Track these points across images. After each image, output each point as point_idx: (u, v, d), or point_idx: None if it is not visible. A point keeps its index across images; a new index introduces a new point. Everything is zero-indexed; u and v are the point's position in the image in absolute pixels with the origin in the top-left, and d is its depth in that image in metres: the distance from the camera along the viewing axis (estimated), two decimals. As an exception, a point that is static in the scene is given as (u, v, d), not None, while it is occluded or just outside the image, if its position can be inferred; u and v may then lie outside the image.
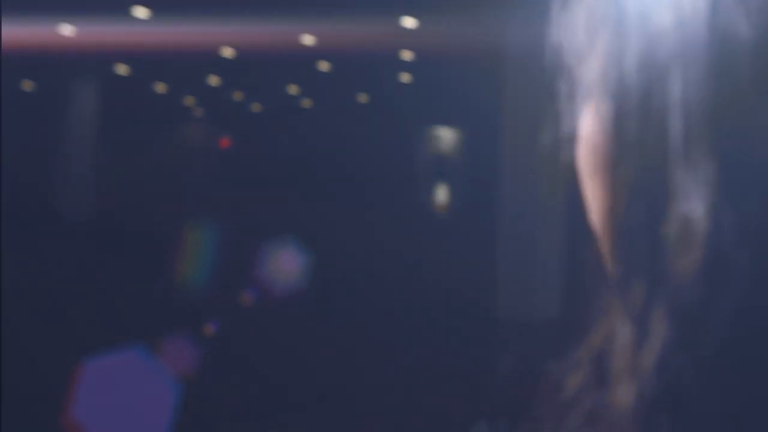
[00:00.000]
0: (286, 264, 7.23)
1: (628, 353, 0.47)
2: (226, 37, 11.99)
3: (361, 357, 6.50)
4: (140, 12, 10.15)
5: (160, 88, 23.37)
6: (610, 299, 0.50)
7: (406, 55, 14.26)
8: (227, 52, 14.16)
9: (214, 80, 21.26)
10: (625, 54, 0.50)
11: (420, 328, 7.51)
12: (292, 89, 24.27)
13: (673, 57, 0.48)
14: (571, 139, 0.55)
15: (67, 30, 11.66)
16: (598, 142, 0.52)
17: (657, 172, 0.47)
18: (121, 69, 17.91)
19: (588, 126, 0.54)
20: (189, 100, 28.50)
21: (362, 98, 25.45)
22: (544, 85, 6.57)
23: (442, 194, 24.41)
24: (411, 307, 8.38)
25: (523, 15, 8.05)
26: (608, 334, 0.50)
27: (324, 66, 16.91)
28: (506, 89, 8.37)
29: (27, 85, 21.70)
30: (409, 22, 10.42)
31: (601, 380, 0.50)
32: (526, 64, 8.10)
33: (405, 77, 18.86)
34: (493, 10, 8.29)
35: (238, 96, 26.68)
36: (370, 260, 11.50)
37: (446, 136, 26.47)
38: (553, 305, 7.85)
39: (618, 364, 0.48)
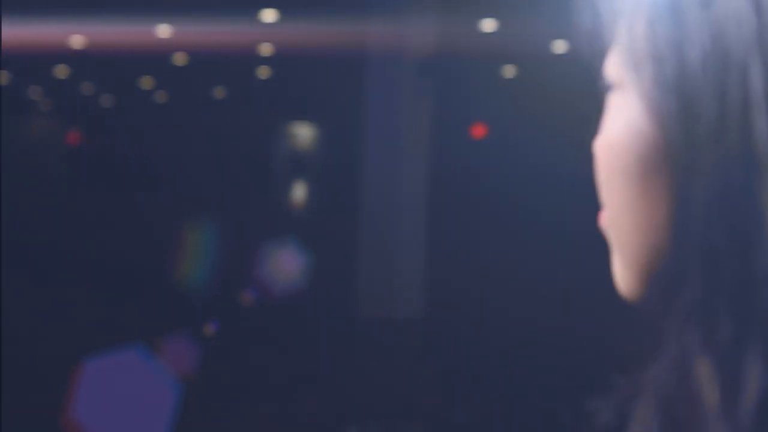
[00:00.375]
0: (283, 265, 7.07)
1: (713, 394, 0.39)
2: (75, 27, 11.47)
3: (219, 360, 6.32)
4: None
5: (2, 78, 22.23)
6: (679, 328, 0.41)
7: (266, 50, 14.06)
8: (76, 43, 13.58)
9: (62, 72, 20.40)
10: (686, 43, 0.42)
11: (278, 327, 7.39)
12: (146, 83, 23.59)
13: (752, 45, 0.41)
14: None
15: None
16: (645, 142, 0.45)
17: (743, 182, 0.40)
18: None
19: (627, 124, 0.46)
20: (35, 93, 27.25)
21: (219, 93, 25.03)
22: (406, 82, 6.62)
23: (301, 191, 24.30)
24: (268, 305, 8.25)
25: (385, 11, 8.04)
26: (680, 370, 0.41)
27: (180, 59, 16.48)
28: (368, 86, 8.35)
29: None
30: (268, 16, 10.25)
31: (674, 425, 0.40)
32: (388, 61, 8.11)
33: (264, 72, 18.65)
34: (355, 5, 8.25)
35: (87, 89, 25.72)
36: (225, 259, 11.29)
37: (306, 132, 26.36)
38: (416, 303, 7.89)
39: (697, 407, 0.39)
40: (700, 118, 0.42)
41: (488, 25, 9.06)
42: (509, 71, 11.26)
